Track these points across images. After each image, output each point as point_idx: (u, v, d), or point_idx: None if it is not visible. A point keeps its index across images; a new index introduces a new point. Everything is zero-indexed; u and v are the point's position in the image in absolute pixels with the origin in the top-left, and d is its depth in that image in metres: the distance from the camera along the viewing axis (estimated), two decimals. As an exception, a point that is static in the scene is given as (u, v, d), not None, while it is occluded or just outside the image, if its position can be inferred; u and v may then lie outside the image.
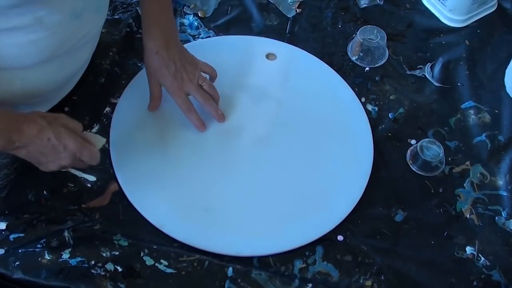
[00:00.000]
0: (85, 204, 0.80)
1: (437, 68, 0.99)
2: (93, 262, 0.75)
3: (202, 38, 1.01)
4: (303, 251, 0.78)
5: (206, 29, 1.02)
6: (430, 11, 1.08)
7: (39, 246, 0.75)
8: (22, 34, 0.68)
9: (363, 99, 0.94)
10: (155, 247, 0.77)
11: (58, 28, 0.71)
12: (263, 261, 0.77)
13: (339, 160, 0.86)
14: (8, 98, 0.74)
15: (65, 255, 0.75)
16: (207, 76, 0.89)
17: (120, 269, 0.75)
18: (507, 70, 0.97)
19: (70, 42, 0.76)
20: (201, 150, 0.86)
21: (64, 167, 0.72)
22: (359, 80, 0.97)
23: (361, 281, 0.76)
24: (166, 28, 0.84)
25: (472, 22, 1.06)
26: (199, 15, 1.04)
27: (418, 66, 0.99)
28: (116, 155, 0.84)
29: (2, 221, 0.77)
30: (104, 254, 0.75)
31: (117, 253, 0.76)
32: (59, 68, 0.78)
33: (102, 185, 0.82)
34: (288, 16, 1.06)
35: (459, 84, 0.97)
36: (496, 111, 0.94)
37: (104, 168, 0.83)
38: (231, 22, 1.04)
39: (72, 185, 0.81)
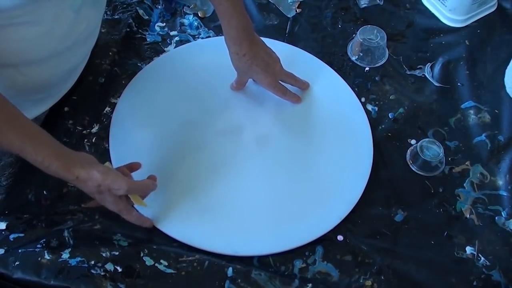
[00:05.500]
0: (85, 204, 0.80)
1: (437, 68, 0.99)
2: (93, 262, 0.75)
3: (202, 38, 1.01)
4: (303, 251, 0.78)
5: (206, 29, 1.02)
6: (430, 11, 1.08)
7: (39, 246, 0.75)
8: (22, 29, 0.68)
9: (363, 99, 0.94)
10: (155, 247, 0.77)
11: (58, 22, 0.72)
12: (263, 261, 0.77)
13: (339, 160, 0.86)
14: (11, 94, 0.75)
15: (65, 255, 0.75)
16: None
17: (120, 269, 0.74)
18: (507, 70, 0.97)
19: (70, 37, 0.76)
20: (201, 150, 0.86)
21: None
22: (359, 80, 0.97)
23: (361, 281, 0.76)
24: (245, 28, 0.85)
25: (472, 22, 1.06)
26: (199, 15, 1.04)
27: (418, 66, 0.99)
28: (116, 155, 0.84)
29: (2, 221, 0.77)
30: (104, 254, 0.75)
31: (117, 253, 0.76)
32: (60, 63, 0.78)
33: (102, 185, 0.82)
34: (288, 16, 1.06)
35: (459, 84, 0.97)
36: (496, 111, 0.94)
37: (104, 168, 0.83)
38: (231, 22, 1.03)
39: (72, 185, 0.81)
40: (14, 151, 0.67)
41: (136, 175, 0.82)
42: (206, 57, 0.96)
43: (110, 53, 0.96)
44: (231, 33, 0.85)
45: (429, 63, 0.99)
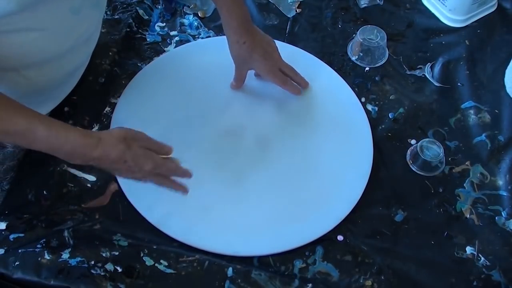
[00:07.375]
0: (85, 204, 0.80)
1: (437, 68, 0.99)
2: (93, 262, 0.75)
3: (202, 38, 1.01)
4: (303, 251, 0.78)
5: (206, 29, 1.02)
6: (430, 11, 1.08)
7: (39, 246, 0.75)
8: (23, 34, 0.68)
9: (363, 99, 0.94)
10: (155, 247, 0.77)
11: (58, 25, 0.72)
12: (263, 261, 0.77)
13: (339, 160, 0.86)
14: (14, 98, 0.75)
15: (65, 255, 0.75)
16: None
17: (120, 269, 0.75)
18: (507, 70, 0.97)
19: (71, 39, 0.76)
20: (201, 150, 0.86)
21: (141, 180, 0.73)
22: (359, 80, 0.97)
23: (361, 281, 0.76)
24: (243, 17, 0.86)
25: (472, 22, 1.06)
26: (199, 15, 1.04)
27: (418, 66, 0.99)
28: (116, 155, 0.84)
29: (2, 221, 0.77)
30: (104, 254, 0.75)
31: (117, 253, 0.76)
32: (61, 65, 0.79)
33: (102, 185, 0.82)
34: (288, 16, 1.06)
35: (459, 84, 0.97)
36: (496, 111, 0.94)
37: (104, 168, 0.83)
38: (231, 22, 1.04)
39: (72, 185, 0.81)
40: (18, 135, 0.65)
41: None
42: (206, 57, 0.96)
43: (110, 53, 0.96)
44: (231, 23, 0.85)
45: (429, 63, 0.99)
